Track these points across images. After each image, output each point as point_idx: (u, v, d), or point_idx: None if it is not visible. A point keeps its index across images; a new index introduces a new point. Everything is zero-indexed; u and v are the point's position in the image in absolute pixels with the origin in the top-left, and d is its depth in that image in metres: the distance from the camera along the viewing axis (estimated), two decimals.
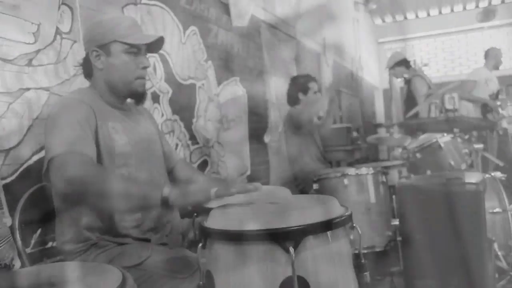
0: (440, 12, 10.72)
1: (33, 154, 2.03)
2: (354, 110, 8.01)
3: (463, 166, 2.98)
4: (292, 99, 3.71)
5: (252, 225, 1.05)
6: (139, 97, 1.72)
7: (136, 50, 1.66)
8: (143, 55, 1.70)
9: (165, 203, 1.32)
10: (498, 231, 2.57)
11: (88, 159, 1.41)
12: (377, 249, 2.57)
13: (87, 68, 1.73)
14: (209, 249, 1.12)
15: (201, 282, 1.11)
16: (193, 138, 3.28)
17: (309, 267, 1.04)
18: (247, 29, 4.17)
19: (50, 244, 1.99)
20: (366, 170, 2.74)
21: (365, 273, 1.15)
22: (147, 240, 1.58)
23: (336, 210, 1.15)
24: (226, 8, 3.81)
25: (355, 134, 4.01)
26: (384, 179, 2.77)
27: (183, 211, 1.61)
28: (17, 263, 1.38)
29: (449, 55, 10.84)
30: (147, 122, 1.84)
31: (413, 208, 1.92)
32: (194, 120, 3.32)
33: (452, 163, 3.04)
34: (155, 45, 1.74)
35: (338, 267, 1.10)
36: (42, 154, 2.06)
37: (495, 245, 2.36)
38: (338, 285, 1.09)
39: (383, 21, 11.37)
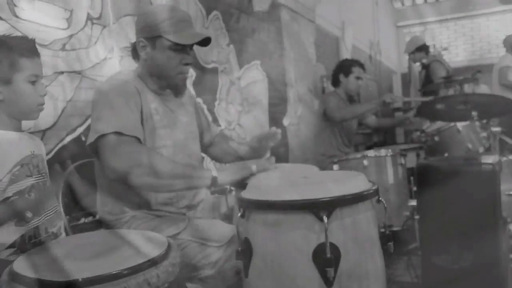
0: None
1: (67, 135, 2.14)
2: (372, 94, 8.01)
3: (481, 150, 3.02)
4: (334, 80, 3.83)
5: (287, 196, 1.15)
6: (178, 90, 1.77)
7: (181, 47, 1.68)
8: (188, 51, 1.72)
9: (214, 183, 1.50)
10: None
11: (140, 143, 1.53)
12: (395, 229, 2.66)
13: (134, 53, 1.78)
14: (247, 218, 1.22)
15: (239, 248, 1.22)
16: (215, 120, 3.37)
17: (340, 235, 1.15)
18: (268, 14, 4.22)
19: (83, 220, 2.11)
20: (385, 152, 2.82)
21: (390, 243, 1.25)
22: (183, 214, 1.70)
23: (364, 184, 1.25)
24: None
25: (373, 117, 4.08)
26: (402, 161, 2.84)
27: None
28: (63, 233, 1.49)
29: (469, 39, 10.69)
30: (186, 105, 1.91)
31: (431, 187, 1.99)
32: (216, 103, 3.41)
33: (470, 146, 3.08)
34: (203, 41, 1.74)
35: (365, 236, 1.20)
36: (75, 134, 2.17)
37: (510, 226, 2.42)
38: (366, 252, 1.20)
39: (403, 4, 11.24)
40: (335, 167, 2.80)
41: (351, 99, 3.81)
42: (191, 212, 1.73)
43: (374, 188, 1.22)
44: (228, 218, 1.76)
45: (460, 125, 3.13)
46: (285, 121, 4.60)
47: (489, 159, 1.99)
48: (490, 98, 2.54)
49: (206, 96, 3.26)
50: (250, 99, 3.92)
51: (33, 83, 1.38)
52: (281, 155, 4.39)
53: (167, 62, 1.68)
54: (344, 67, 3.74)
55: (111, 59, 2.40)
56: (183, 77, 1.75)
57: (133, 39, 1.79)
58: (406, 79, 9.18)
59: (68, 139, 2.14)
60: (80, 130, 2.20)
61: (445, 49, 8.38)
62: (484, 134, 3.12)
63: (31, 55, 1.38)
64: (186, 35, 1.69)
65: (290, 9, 4.77)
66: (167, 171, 1.48)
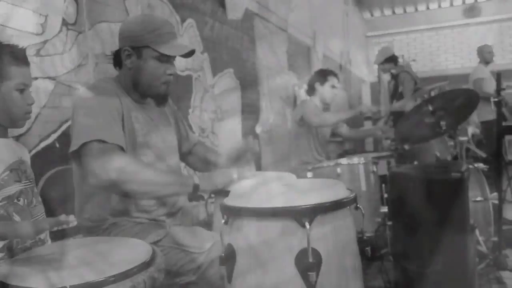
0: (427, 8, 10.89)
1: (40, 141, 2.11)
2: (342, 102, 8.15)
3: (449, 158, 3.14)
4: (310, 89, 3.87)
5: (271, 203, 1.19)
6: (161, 99, 1.78)
7: (166, 57, 1.69)
8: (172, 61, 1.74)
9: (196, 190, 1.52)
10: (479, 218, 2.75)
11: (123, 151, 1.54)
12: (367, 234, 2.72)
13: (118, 61, 1.77)
14: (230, 225, 1.25)
15: (222, 254, 1.24)
16: (189, 128, 3.37)
17: (321, 240, 1.19)
18: (241, 22, 4.27)
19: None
20: (357, 160, 2.89)
21: (367, 248, 1.30)
22: (162, 221, 1.71)
23: (343, 192, 1.30)
24: (221, 1, 3.90)
25: (345, 127, 4.16)
26: (374, 168, 2.92)
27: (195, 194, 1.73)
28: (49, 240, 1.48)
29: (435, 50, 11.03)
30: (165, 114, 1.92)
31: (403, 194, 2.06)
32: (190, 110, 3.42)
33: (438, 154, 3.19)
34: (187, 53, 1.76)
35: (345, 241, 1.25)
36: (49, 141, 2.15)
37: (477, 231, 2.52)
38: (345, 256, 1.25)
39: (372, 15, 11.50)
40: (309, 174, 2.85)
41: (326, 107, 3.88)
42: (170, 219, 1.74)
43: (352, 195, 1.28)
44: (207, 225, 1.78)
45: None
46: (258, 129, 4.64)
47: (458, 167, 2.08)
48: (452, 94, 2.62)
49: (180, 103, 3.26)
50: (224, 106, 3.94)
51: (21, 91, 1.38)
52: (254, 162, 4.41)
53: (153, 72, 1.69)
54: (320, 76, 3.81)
55: (85, 65, 2.38)
56: (167, 87, 1.76)
57: (110, 46, 1.79)
58: (375, 88, 9.39)
59: (42, 145, 2.11)
60: (54, 136, 2.17)
61: (414, 60, 8.63)
62: (451, 143, 3.25)
63: (21, 64, 1.38)
64: (173, 46, 1.70)
65: (263, 18, 4.83)
66: (150, 179, 1.50)
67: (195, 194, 1.52)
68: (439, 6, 10.79)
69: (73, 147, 1.51)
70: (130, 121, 1.66)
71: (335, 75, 3.84)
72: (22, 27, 2.03)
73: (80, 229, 1.71)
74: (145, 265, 0.99)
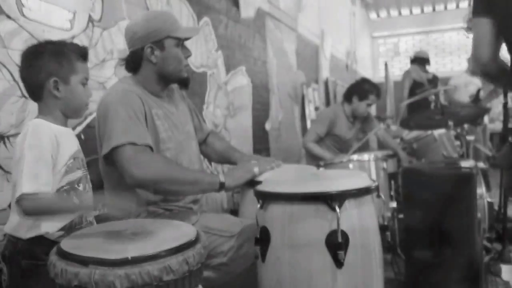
0: (433, 9, 10.97)
1: None
2: None
3: (455, 156, 3.24)
4: (347, 96, 3.82)
5: (303, 189, 1.31)
6: (186, 82, 1.90)
7: (182, 43, 1.83)
8: (186, 46, 1.86)
9: (222, 187, 1.64)
10: None
11: (152, 151, 1.64)
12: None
13: (135, 63, 1.84)
14: (265, 209, 1.36)
15: (257, 236, 1.35)
16: (202, 119, 3.46)
17: (349, 223, 1.31)
18: (254, 21, 4.36)
19: None
20: (368, 157, 2.98)
21: (387, 233, 1.41)
22: (190, 208, 1.80)
23: (367, 181, 1.42)
24: (235, 1, 4.00)
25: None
26: (384, 165, 3.01)
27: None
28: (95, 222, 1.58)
29: (440, 52, 11.11)
30: (181, 106, 2.00)
31: (416, 188, 2.16)
32: (204, 106, 3.51)
33: (445, 153, 3.29)
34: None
35: (369, 224, 1.36)
36: (75, 133, 2.23)
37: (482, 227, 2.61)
38: (369, 237, 1.37)
39: (378, 15, 11.59)
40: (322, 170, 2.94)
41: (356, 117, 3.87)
42: (196, 206, 1.84)
43: (375, 184, 1.39)
44: (233, 213, 1.87)
45: (436, 133, 3.34)
46: (267, 126, 4.73)
47: (467, 164, 2.18)
48: (464, 109, 2.74)
49: (195, 100, 3.35)
50: (236, 103, 4.03)
51: (83, 85, 1.50)
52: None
53: (177, 57, 1.82)
54: (361, 91, 3.71)
55: (110, 60, 2.48)
56: (188, 69, 1.90)
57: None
58: (381, 88, 9.47)
59: None
60: (79, 129, 2.26)
61: None
62: (457, 142, 3.35)
63: (84, 61, 1.53)
64: (186, 30, 1.89)
65: (274, 18, 4.93)
66: (181, 177, 1.60)
67: (221, 191, 1.62)
68: (445, 8, 10.87)
69: (105, 150, 1.61)
70: (152, 119, 1.74)
71: (377, 94, 3.75)
72: (53, 23, 2.12)
73: (112, 218, 1.79)
74: (193, 242, 1.09)
